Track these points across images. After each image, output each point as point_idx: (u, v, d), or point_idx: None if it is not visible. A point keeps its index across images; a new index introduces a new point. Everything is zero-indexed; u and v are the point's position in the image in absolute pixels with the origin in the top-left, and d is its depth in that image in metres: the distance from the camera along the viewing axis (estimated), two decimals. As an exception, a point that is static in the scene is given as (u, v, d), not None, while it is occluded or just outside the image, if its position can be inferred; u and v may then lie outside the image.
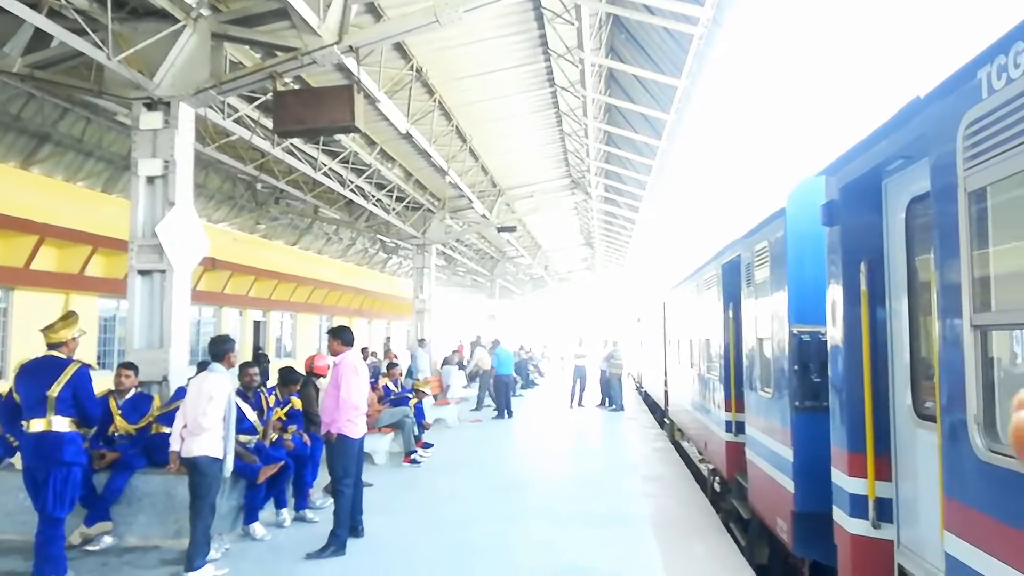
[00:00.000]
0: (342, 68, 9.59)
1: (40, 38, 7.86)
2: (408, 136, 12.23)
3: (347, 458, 6.26)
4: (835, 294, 4.47)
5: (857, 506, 4.11)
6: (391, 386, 11.90)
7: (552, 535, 6.87)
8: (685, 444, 14.37)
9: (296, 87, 9.79)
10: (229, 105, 10.48)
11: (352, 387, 6.21)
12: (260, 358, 21.66)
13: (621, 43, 12.12)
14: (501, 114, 13.91)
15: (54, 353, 5.32)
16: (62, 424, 5.13)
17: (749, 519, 7.13)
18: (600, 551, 6.38)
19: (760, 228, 6.62)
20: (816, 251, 5.64)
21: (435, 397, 15.66)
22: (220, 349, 5.88)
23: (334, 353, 6.51)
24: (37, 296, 13.34)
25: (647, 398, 21.41)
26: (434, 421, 14.89)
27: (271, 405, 7.46)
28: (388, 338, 35.37)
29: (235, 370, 6.49)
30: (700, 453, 12.18)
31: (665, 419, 15.79)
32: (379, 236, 22.69)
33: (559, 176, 19.65)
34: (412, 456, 10.56)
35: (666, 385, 15.45)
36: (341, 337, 6.51)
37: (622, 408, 17.96)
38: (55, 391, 5.14)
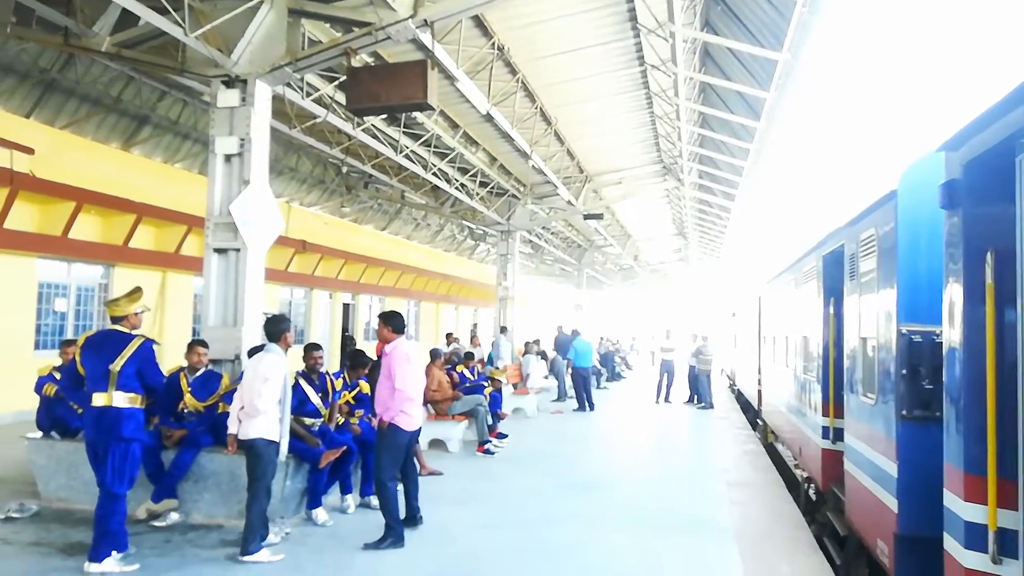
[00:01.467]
0: (422, 47, 9.35)
1: (128, 17, 7.98)
2: (490, 118, 11.91)
3: (395, 450, 5.97)
4: (954, 289, 3.82)
5: (974, 536, 3.50)
6: (467, 374, 11.69)
7: (628, 540, 6.40)
8: (780, 447, 13.55)
9: (373, 64, 9.62)
10: (309, 84, 10.46)
11: (407, 377, 5.90)
12: (347, 341, 22.12)
13: (716, 15, 11.30)
14: (588, 95, 13.34)
15: (118, 327, 5.31)
16: (122, 399, 5.10)
17: (846, 536, 6.48)
18: (678, 562, 5.89)
19: (867, 214, 5.93)
20: (932, 240, 5.00)
21: (514, 386, 15.40)
22: (276, 329, 5.73)
23: (384, 341, 6.15)
24: (136, 273, 13.90)
25: (740, 396, 20.45)
26: (513, 411, 14.65)
27: (338, 388, 7.32)
28: (475, 324, 35.54)
29: (293, 351, 6.36)
30: (795, 458, 11.43)
31: (758, 420, 14.97)
32: (465, 222, 22.60)
33: (650, 162, 18.86)
34: (486, 446, 10.30)
35: (760, 384, 14.63)
36: (392, 324, 6.14)
37: (711, 406, 17.16)
38: (118, 365, 5.11)
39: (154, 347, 5.31)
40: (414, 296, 27.16)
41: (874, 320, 5.60)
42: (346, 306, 23.23)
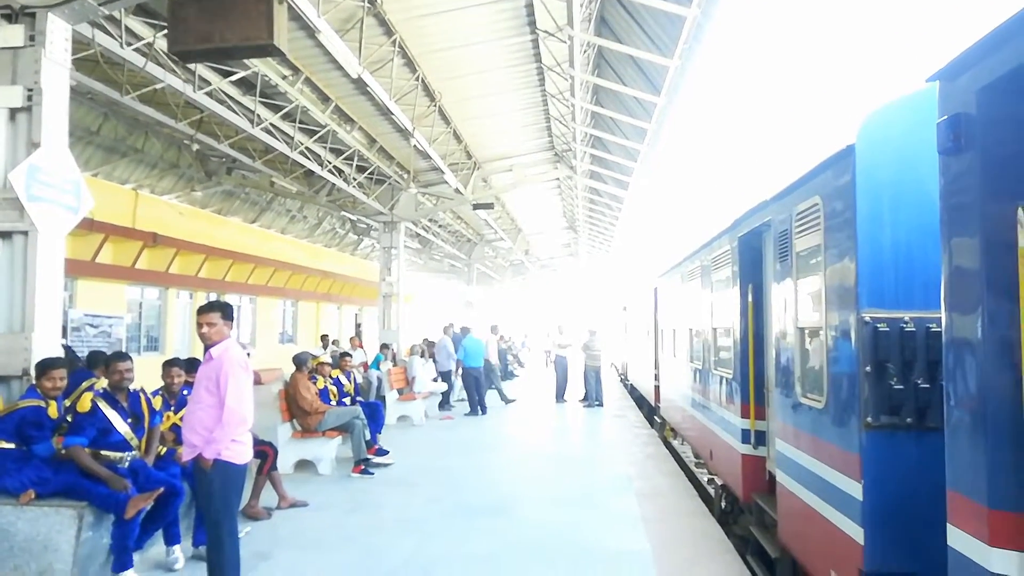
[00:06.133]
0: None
1: None
2: (363, 86, 10.37)
3: (229, 492, 4.46)
4: (963, 256, 2.86)
5: (1010, 595, 2.53)
6: (342, 380, 10.14)
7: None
8: (676, 443, 12.90)
9: None
10: (130, 31, 8.59)
11: (243, 392, 4.42)
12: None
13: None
14: (474, 66, 12.01)
15: None
16: None
17: (777, 558, 5.61)
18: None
19: (807, 181, 5.01)
20: (897, 207, 4.13)
21: (400, 392, 13.97)
22: None
23: (214, 339, 4.54)
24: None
25: (633, 391, 19.91)
26: (398, 419, 13.26)
27: (157, 408, 5.71)
28: (359, 325, 33.52)
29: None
30: (696, 456, 10.76)
31: (656, 416, 14.30)
32: (344, 213, 20.77)
33: (541, 148, 17.82)
34: (363, 465, 8.86)
35: (657, 380, 13.95)
36: (224, 312, 4.62)
37: (600, 404, 16.37)
38: None
39: None
40: (291, 295, 25.03)
41: (818, 307, 4.69)
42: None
